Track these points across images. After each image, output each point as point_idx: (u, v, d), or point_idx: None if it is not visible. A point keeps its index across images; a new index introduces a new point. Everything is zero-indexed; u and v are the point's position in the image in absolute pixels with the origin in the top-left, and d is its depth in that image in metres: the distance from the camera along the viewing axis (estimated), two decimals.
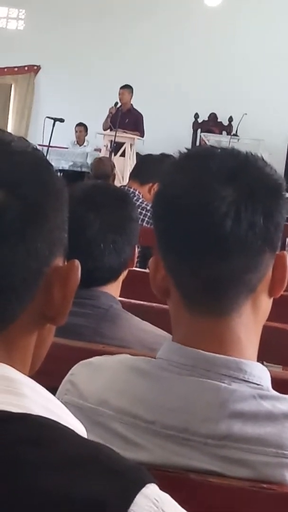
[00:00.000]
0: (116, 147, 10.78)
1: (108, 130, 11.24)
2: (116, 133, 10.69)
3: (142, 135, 11.70)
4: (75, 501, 0.78)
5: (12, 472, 0.79)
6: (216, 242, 1.25)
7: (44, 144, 10.22)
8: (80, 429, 0.91)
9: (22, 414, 0.84)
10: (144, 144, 11.51)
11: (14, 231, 0.85)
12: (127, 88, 11.85)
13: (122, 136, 10.92)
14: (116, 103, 11.55)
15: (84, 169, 11.17)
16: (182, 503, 0.87)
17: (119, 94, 11.76)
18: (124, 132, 11.19)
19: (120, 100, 11.66)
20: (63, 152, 11.91)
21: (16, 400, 0.85)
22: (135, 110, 11.89)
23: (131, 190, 4.97)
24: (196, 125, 13.49)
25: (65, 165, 11.29)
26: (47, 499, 0.78)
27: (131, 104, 11.91)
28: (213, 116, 13.49)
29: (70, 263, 0.94)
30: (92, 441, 0.87)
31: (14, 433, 0.82)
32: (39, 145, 9.12)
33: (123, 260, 2.20)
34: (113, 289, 2.24)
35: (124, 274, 2.27)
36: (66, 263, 0.95)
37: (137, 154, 10.85)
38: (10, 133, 0.95)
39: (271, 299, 1.35)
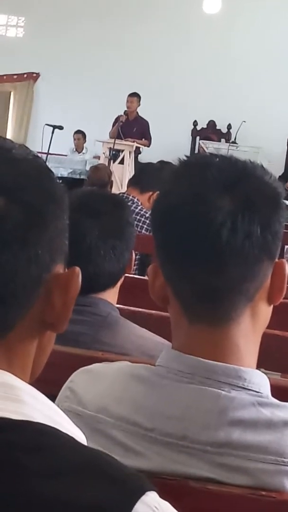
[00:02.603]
0: (115, 154, 10.78)
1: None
2: (115, 140, 10.69)
3: (149, 142, 11.73)
4: (75, 507, 0.78)
5: (12, 478, 0.79)
6: (213, 252, 1.25)
7: (43, 151, 10.22)
8: (80, 436, 0.91)
9: (22, 421, 0.84)
10: (142, 151, 11.54)
11: (15, 238, 0.86)
12: (136, 96, 11.84)
13: (121, 143, 10.93)
14: (125, 112, 11.57)
15: (83, 177, 11.16)
16: (181, 511, 0.87)
17: (128, 102, 11.74)
18: (134, 141, 11.22)
19: (128, 108, 11.67)
20: (62, 159, 11.92)
21: (16, 407, 0.85)
22: (142, 118, 11.89)
23: (130, 197, 4.98)
24: (195, 133, 13.51)
25: (64, 172, 11.29)
26: (47, 505, 0.78)
27: (137, 112, 11.92)
28: (211, 124, 13.51)
29: (71, 270, 0.94)
30: (92, 449, 0.87)
31: (14, 440, 0.82)
32: (38, 152, 9.12)
33: (122, 265, 2.21)
34: (111, 295, 2.24)
35: (122, 279, 2.27)
36: (66, 270, 0.95)
37: (138, 162, 10.86)
38: (11, 141, 0.95)
39: (271, 307, 1.35)
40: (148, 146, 11.68)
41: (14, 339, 0.90)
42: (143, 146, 11.51)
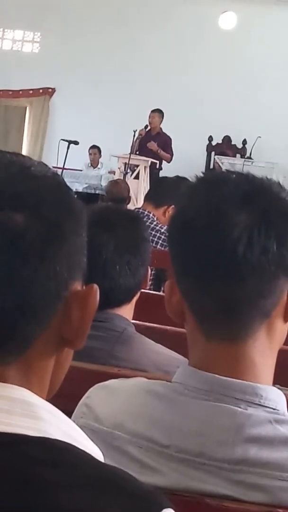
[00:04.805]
0: (130, 169, 10.83)
1: (136, 153, 11.25)
2: (130, 155, 10.72)
3: (171, 158, 11.79)
4: None
5: (32, 493, 0.79)
6: (229, 268, 1.25)
7: (58, 166, 10.25)
8: (97, 453, 0.91)
9: (39, 438, 0.84)
10: (163, 167, 11.58)
11: (34, 254, 0.86)
12: (158, 112, 11.93)
13: (136, 158, 10.96)
14: (146, 126, 11.63)
15: (98, 191, 11.19)
16: None
17: (150, 117, 11.84)
18: (158, 150, 11.36)
19: (150, 123, 11.76)
20: (77, 174, 11.93)
21: (34, 424, 0.85)
22: (164, 133, 11.96)
23: (146, 212, 4.98)
24: (210, 148, 13.50)
25: (79, 187, 11.30)
26: None
27: (161, 128, 11.98)
28: (227, 139, 13.50)
29: (89, 287, 0.94)
30: (109, 465, 0.87)
31: (32, 455, 0.82)
32: (54, 167, 9.15)
33: (138, 281, 2.21)
34: (127, 311, 2.24)
35: (137, 295, 2.27)
36: (84, 287, 0.96)
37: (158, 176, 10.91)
38: (29, 158, 0.95)
39: (287, 324, 1.35)
40: (169, 162, 11.73)
41: (32, 355, 0.90)
42: (163, 159, 11.59)
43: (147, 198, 5.36)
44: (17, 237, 0.85)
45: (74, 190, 10.93)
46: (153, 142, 11.54)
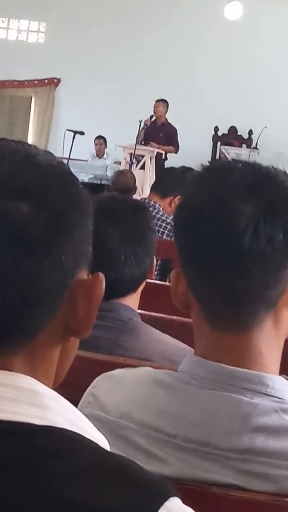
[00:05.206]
0: (136, 160, 10.82)
1: (141, 143, 11.23)
2: (136, 145, 10.71)
3: (176, 149, 11.76)
4: None
5: (36, 483, 0.79)
6: (235, 258, 1.24)
7: (64, 156, 10.24)
8: (103, 442, 0.91)
9: (45, 427, 0.84)
10: (168, 158, 11.57)
11: (39, 244, 0.85)
12: (162, 101, 11.91)
13: (142, 149, 10.95)
14: (152, 116, 11.63)
15: (103, 182, 11.17)
16: None
17: (154, 107, 11.83)
18: (159, 147, 11.29)
19: (154, 113, 11.76)
20: (83, 164, 11.92)
21: (40, 413, 0.85)
22: (170, 124, 11.94)
23: (152, 203, 4.97)
24: (216, 138, 13.50)
25: (84, 177, 11.28)
26: (70, 510, 0.78)
27: (166, 118, 11.96)
28: (233, 129, 13.50)
29: (95, 276, 0.94)
30: (115, 454, 0.87)
31: (37, 445, 0.82)
32: (59, 157, 9.15)
33: (143, 271, 2.21)
34: (133, 301, 2.24)
35: (143, 285, 2.27)
36: (90, 276, 0.95)
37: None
38: (35, 147, 0.95)
39: None
40: (176, 153, 11.71)
41: (38, 344, 0.90)
42: (167, 152, 11.57)
43: (153, 188, 5.36)
44: (22, 228, 0.85)
45: (79, 180, 10.95)
46: (151, 142, 11.47)
